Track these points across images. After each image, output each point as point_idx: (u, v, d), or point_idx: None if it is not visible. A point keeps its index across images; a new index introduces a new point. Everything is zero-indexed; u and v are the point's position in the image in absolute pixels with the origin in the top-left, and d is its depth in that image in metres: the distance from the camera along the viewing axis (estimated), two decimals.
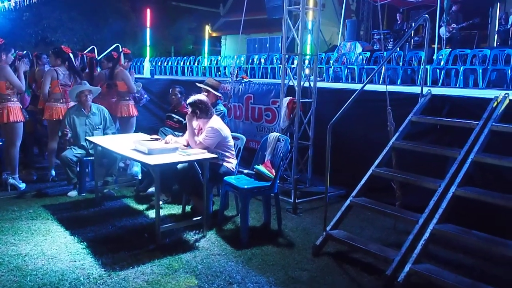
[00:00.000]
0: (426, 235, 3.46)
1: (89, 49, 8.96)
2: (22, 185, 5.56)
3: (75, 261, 3.64)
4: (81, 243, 3.98)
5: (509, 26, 9.97)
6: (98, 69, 7.35)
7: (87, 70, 7.10)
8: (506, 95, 4.21)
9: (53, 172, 5.97)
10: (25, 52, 8.02)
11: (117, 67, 6.48)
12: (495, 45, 10.17)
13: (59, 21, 17.45)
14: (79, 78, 5.94)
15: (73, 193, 5.39)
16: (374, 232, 4.48)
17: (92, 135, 5.41)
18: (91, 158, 5.42)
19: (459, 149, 3.98)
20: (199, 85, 5.46)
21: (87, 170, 5.69)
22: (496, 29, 10.65)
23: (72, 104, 5.79)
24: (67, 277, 3.36)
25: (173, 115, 5.80)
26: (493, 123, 3.99)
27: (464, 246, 3.88)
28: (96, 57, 8.23)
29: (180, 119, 5.68)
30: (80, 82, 5.77)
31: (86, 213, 4.84)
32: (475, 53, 8.35)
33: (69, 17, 17.65)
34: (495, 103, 4.20)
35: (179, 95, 5.81)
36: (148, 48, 14.38)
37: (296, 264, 3.73)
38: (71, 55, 6.02)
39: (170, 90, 5.94)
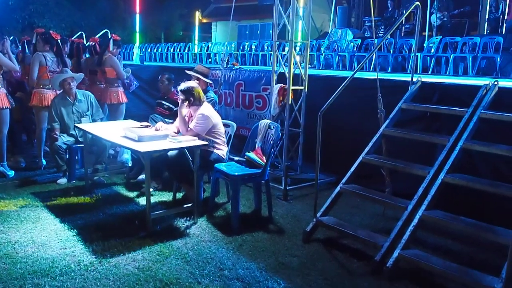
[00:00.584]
0: (415, 221, 3.51)
1: (77, 35, 8.85)
2: (11, 173, 5.51)
3: (65, 248, 3.63)
4: (71, 231, 3.97)
5: (499, 14, 10.00)
6: (87, 55, 7.26)
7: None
8: (495, 83, 4.24)
9: (44, 161, 5.92)
10: (12, 37, 7.88)
11: (106, 53, 6.40)
12: (485, 33, 10.20)
13: (46, 7, 17.14)
14: (62, 65, 5.83)
15: (62, 181, 5.35)
16: (364, 219, 4.53)
17: (80, 123, 5.35)
18: (81, 145, 5.37)
19: (448, 136, 4.01)
20: (188, 72, 5.42)
21: (76, 157, 5.65)
22: (487, 17, 10.67)
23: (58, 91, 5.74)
24: (58, 264, 3.36)
25: (163, 102, 5.76)
26: (482, 111, 4.02)
27: (452, 232, 3.94)
28: (84, 43, 8.12)
29: (171, 106, 5.65)
30: (62, 69, 5.67)
31: (76, 200, 4.82)
32: (465, 40, 8.37)
33: (56, 2, 17.35)
34: (485, 91, 4.23)
35: (167, 82, 5.79)
36: (137, 34, 14.21)
37: (286, 250, 3.76)
38: (59, 41, 5.92)
39: (159, 77, 5.90)
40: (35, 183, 5.35)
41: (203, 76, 5.34)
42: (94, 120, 5.53)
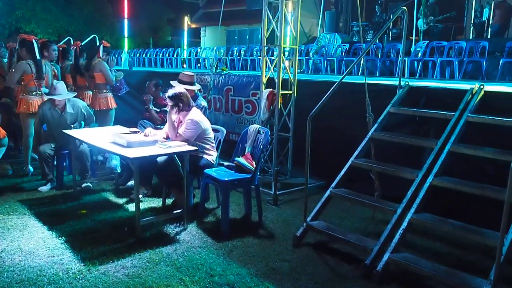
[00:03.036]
0: (404, 224, 3.53)
1: (64, 40, 8.78)
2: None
3: (53, 256, 3.59)
4: (59, 238, 3.93)
5: (484, 19, 10.16)
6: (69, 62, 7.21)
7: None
8: (482, 87, 4.30)
9: (31, 168, 5.85)
10: None
11: (95, 59, 6.38)
12: (471, 38, 10.35)
13: (32, 12, 16.99)
14: (37, 71, 5.64)
15: (43, 188, 5.24)
16: (354, 222, 4.54)
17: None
18: (66, 151, 5.32)
19: (436, 140, 4.05)
20: (173, 83, 5.25)
21: (64, 164, 5.60)
22: (472, 22, 10.83)
23: (46, 98, 5.71)
24: (46, 273, 3.32)
25: (152, 108, 5.74)
26: (469, 114, 4.07)
27: (441, 234, 3.97)
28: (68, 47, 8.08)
29: (156, 109, 5.65)
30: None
31: (64, 207, 4.77)
32: (452, 45, 8.48)
33: (43, 8, 17.20)
34: (471, 95, 4.28)
35: (154, 89, 5.84)
36: (126, 40, 14.13)
37: (276, 255, 3.75)
38: (34, 43, 5.76)
39: (147, 83, 5.89)
40: (22, 190, 5.28)
41: (188, 84, 5.22)
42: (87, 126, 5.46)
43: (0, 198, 4.95)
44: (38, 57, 5.73)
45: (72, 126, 5.38)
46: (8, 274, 3.29)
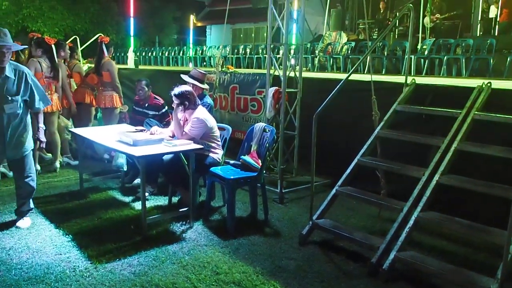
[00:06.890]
0: (411, 222, 3.52)
1: (71, 39, 8.82)
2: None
3: (60, 254, 3.61)
4: (66, 236, 3.95)
5: (491, 16, 10.08)
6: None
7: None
8: (489, 84, 4.26)
9: (39, 167, 5.86)
10: None
11: (104, 57, 6.42)
12: (478, 35, 10.27)
13: (39, 11, 17.08)
14: (54, 71, 5.72)
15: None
16: (360, 221, 4.53)
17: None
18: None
19: (443, 138, 4.02)
20: (184, 78, 5.29)
21: None
22: (479, 19, 10.76)
23: (56, 96, 5.77)
24: (53, 270, 3.34)
25: (147, 111, 5.67)
26: (476, 112, 4.04)
27: (447, 233, 3.95)
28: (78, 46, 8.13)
29: (156, 113, 5.61)
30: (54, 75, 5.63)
31: (71, 205, 4.79)
32: (459, 42, 8.43)
33: (50, 7, 17.29)
34: (478, 92, 4.25)
35: (146, 89, 5.75)
36: (132, 38, 14.18)
37: (282, 253, 3.75)
38: (53, 46, 5.86)
39: (137, 84, 5.81)
40: None
41: (199, 82, 5.19)
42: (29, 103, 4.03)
43: (8, 196, 4.96)
44: (56, 60, 5.80)
45: (11, 99, 3.80)
46: (16, 271, 3.31)
